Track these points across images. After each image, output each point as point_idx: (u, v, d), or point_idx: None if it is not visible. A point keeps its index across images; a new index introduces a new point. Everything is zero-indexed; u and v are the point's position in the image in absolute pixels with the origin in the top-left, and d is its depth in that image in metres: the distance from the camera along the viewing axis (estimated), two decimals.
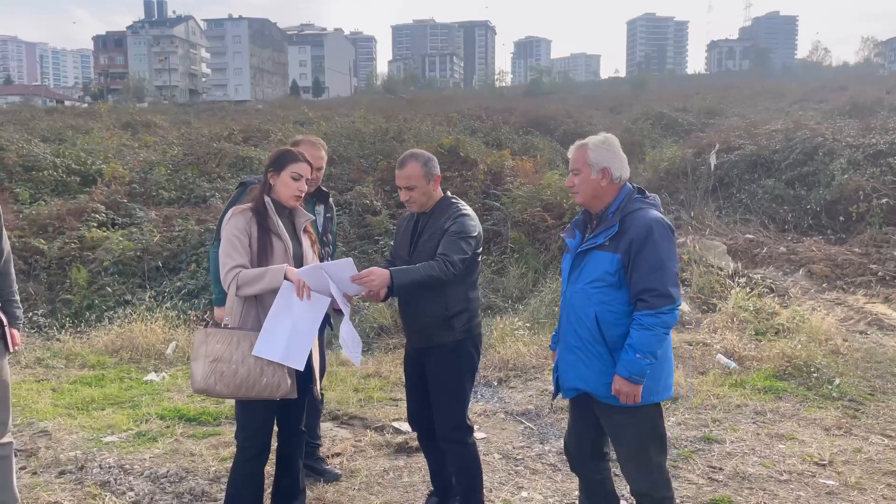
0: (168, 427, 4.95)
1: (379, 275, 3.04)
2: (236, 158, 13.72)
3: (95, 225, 10.29)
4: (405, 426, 4.86)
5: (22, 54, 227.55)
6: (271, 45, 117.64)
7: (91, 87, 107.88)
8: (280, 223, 3.21)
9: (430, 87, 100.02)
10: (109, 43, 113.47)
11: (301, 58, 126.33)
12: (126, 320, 7.63)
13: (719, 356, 6.22)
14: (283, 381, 3.08)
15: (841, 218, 12.16)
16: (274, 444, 3.40)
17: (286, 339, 3.04)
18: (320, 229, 4.02)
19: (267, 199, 3.23)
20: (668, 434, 4.53)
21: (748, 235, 11.52)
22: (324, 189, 4.16)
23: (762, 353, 6.20)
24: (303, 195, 3.29)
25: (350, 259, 2.99)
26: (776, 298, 7.88)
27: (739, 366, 6.03)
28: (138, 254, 9.28)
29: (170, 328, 7.52)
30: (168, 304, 8.06)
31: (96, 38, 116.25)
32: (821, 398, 5.29)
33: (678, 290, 2.82)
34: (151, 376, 6.38)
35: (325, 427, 4.89)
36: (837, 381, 5.54)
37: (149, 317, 7.61)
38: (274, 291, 3.07)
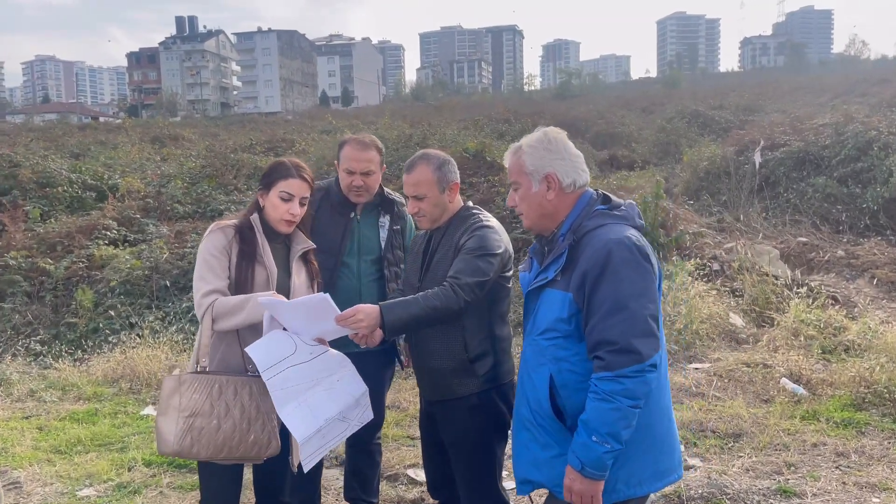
0: (154, 476, 4.36)
1: (367, 313, 2.36)
2: (254, 169, 13.22)
3: (105, 242, 9.82)
4: (421, 475, 4.19)
5: (60, 73, 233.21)
6: (300, 56, 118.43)
7: (125, 103, 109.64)
8: (267, 248, 2.61)
9: (459, 92, 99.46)
10: (143, 59, 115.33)
11: (330, 68, 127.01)
12: (129, 345, 7.11)
13: (784, 380, 5.44)
14: (273, 438, 2.49)
15: None
16: None
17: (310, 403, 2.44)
18: (383, 245, 3.26)
19: (255, 216, 2.63)
20: (735, 484, 3.80)
21: (801, 238, 10.63)
22: (389, 196, 3.37)
23: (834, 377, 5.41)
24: (296, 220, 2.66)
25: (326, 295, 2.32)
26: (840, 310, 7.04)
27: (809, 392, 5.25)
28: (146, 273, 8.76)
29: (174, 353, 6.97)
30: (174, 328, 7.51)
31: (130, 55, 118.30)
32: None
33: (651, 343, 1.98)
34: (148, 410, 5.81)
35: (328, 473, 4.25)
36: None
37: (152, 342, 7.07)
38: (260, 325, 2.44)
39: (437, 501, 2.93)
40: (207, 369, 2.45)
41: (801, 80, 51.45)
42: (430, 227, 2.72)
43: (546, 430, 2.12)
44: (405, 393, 5.93)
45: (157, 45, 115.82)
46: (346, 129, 21.80)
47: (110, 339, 7.61)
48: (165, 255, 9.02)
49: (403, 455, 4.55)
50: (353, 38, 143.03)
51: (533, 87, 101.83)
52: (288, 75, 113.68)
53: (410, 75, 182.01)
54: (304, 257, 2.73)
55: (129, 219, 10.79)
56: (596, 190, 2.25)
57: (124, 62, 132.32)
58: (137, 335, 7.43)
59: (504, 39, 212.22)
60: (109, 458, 4.68)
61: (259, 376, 2.47)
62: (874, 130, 13.61)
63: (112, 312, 8.05)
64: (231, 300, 2.46)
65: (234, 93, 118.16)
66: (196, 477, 4.30)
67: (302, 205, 2.64)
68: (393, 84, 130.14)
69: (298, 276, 2.68)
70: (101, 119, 69.70)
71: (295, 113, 67.77)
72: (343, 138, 3.39)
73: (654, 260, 2.08)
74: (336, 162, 3.32)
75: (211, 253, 2.53)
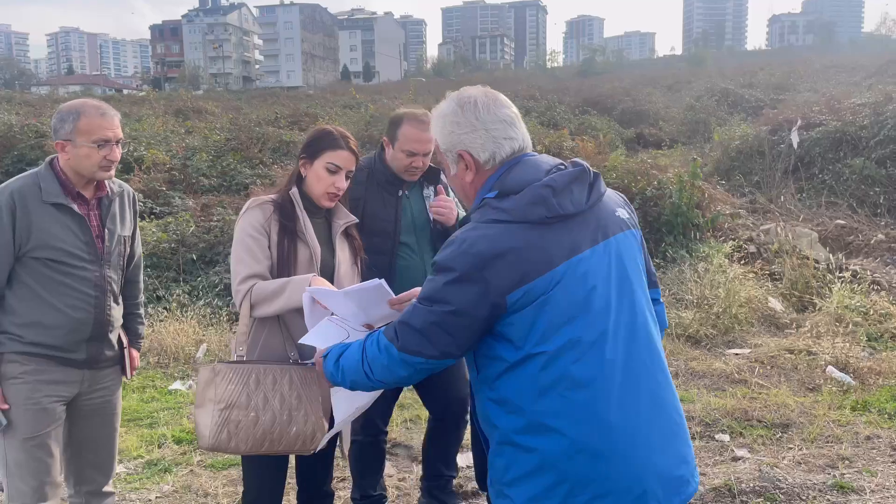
0: (184, 454, 4.28)
1: None
2: (279, 143, 13.12)
3: None
4: (460, 460, 4.08)
5: (84, 45, 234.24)
6: (322, 30, 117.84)
7: (148, 75, 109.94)
8: (309, 224, 2.45)
9: (481, 69, 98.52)
10: (166, 32, 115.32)
11: (352, 42, 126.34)
12: (157, 318, 7.05)
13: (831, 369, 5.25)
14: (319, 430, 2.33)
15: None
16: None
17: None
18: (432, 217, 3.08)
19: (294, 191, 2.47)
20: (789, 478, 3.64)
21: (839, 221, 10.32)
22: (433, 165, 3.14)
23: (882, 366, 5.21)
24: (340, 194, 2.49)
25: (381, 281, 2.15)
26: (886, 296, 6.80)
27: (856, 381, 5.05)
28: (173, 246, 8.69)
29: (202, 328, 6.91)
30: (202, 302, 7.45)
31: (153, 28, 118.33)
32: None
33: (419, 344, 1.71)
34: (177, 385, 5.75)
35: None
36: None
37: (180, 315, 7.01)
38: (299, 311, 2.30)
39: (484, 493, 2.80)
40: (245, 358, 2.31)
41: (832, 58, 50.22)
42: None
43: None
44: None
45: (180, 18, 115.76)
46: (370, 104, 21.62)
47: None
48: (192, 229, 8.94)
49: None
50: (374, 13, 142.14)
51: (556, 64, 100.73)
52: (309, 49, 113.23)
53: (432, 51, 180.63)
54: (347, 232, 2.58)
55: (156, 191, 10.73)
56: (519, 159, 1.79)
57: (147, 35, 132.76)
58: (165, 308, 7.37)
59: (527, 15, 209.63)
60: (139, 433, 4.61)
61: (302, 364, 2.33)
62: None
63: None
64: (269, 285, 2.31)
65: (256, 67, 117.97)
66: (228, 456, 4.24)
67: (347, 178, 2.48)
68: (415, 59, 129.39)
69: (342, 253, 2.53)
70: (125, 91, 69.96)
71: (316, 87, 67.53)
72: (397, 114, 3.11)
73: (509, 272, 1.65)
74: (385, 139, 3.08)
75: (248, 233, 2.38)
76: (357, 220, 2.63)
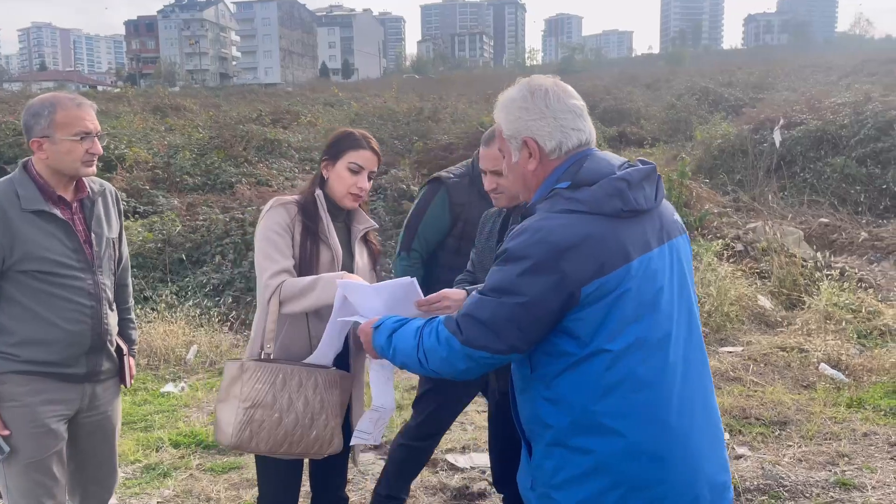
0: (182, 458, 4.22)
1: (455, 299, 2.16)
2: (264, 141, 13.01)
3: None
4: (462, 461, 4.08)
5: (56, 40, 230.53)
6: (300, 26, 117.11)
7: (123, 72, 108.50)
8: (332, 226, 2.42)
9: (460, 66, 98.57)
10: (141, 27, 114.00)
11: (330, 39, 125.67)
12: (145, 320, 6.95)
13: (823, 366, 5.31)
14: (336, 436, 2.32)
15: None
16: None
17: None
18: None
19: (318, 192, 2.44)
20: (791, 476, 3.67)
21: (822, 219, 10.45)
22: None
23: (873, 363, 5.28)
24: (362, 196, 2.46)
25: (413, 279, 2.14)
26: (874, 293, 6.90)
27: (849, 378, 5.11)
28: (159, 245, 8.58)
29: (191, 329, 6.82)
30: (190, 302, 7.36)
31: (128, 24, 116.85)
32: None
33: (486, 338, 1.65)
34: (169, 387, 5.68)
35: (365, 458, 4.12)
36: None
37: (169, 316, 6.92)
38: (328, 308, 2.28)
39: (501, 495, 2.79)
40: (272, 357, 2.28)
41: (808, 58, 50.88)
42: (507, 206, 2.52)
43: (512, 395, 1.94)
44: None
45: (156, 14, 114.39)
46: (352, 101, 21.53)
47: None
48: (178, 228, 8.83)
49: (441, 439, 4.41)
50: (353, 10, 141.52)
51: (535, 62, 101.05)
52: (288, 46, 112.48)
53: (411, 48, 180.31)
54: (365, 237, 2.56)
55: (139, 190, 10.60)
56: (589, 153, 1.76)
57: (122, 30, 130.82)
58: (152, 309, 7.28)
59: (506, 13, 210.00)
60: (134, 437, 4.54)
61: (326, 368, 2.31)
62: (894, 110, 13.39)
63: None
64: (301, 281, 2.28)
65: (234, 63, 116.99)
66: (227, 459, 4.20)
67: (369, 179, 2.46)
68: (394, 56, 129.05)
69: (361, 258, 2.51)
70: (100, 88, 68.95)
71: (295, 84, 67.14)
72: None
73: (585, 265, 1.60)
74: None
75: (274, 230, 2.35)
76: (376, 226, 2.61)
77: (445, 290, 2.20)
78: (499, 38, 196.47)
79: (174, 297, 7.63)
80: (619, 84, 35.44)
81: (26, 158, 2.41)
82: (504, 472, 2.70)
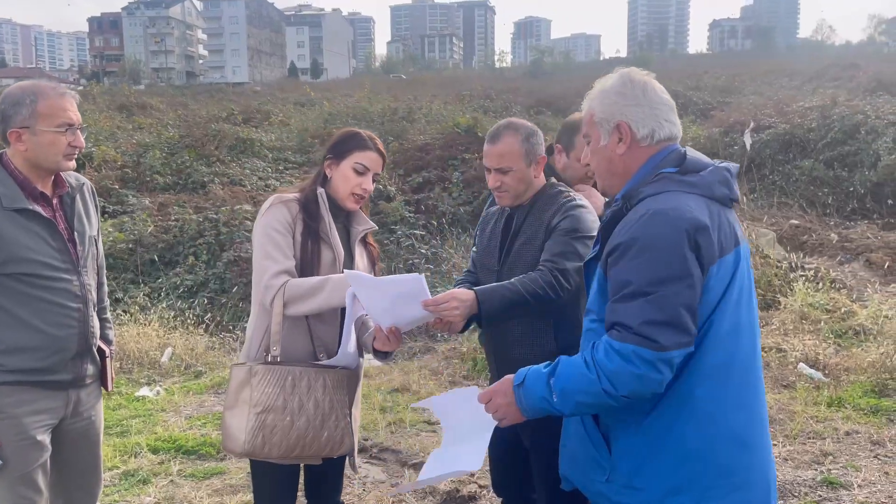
0: (161, 463, 4.11)
1: (462, 300, 2.12)
2: (236, 141, 12.82)
3: None
4: None
5: (17, 37, 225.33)
6: (269, 25, 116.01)
7: (86, 69, 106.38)
8: (333, 226, 2.35)
9: (430, 67, 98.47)
10: (105, 24, 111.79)
11: (299, 39, 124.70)
12: (117, 322, 6.79)
13: (802, 366, 5.37)
14: (347, 435, 2.27)
15: (889, 201, 11.30)
16: None
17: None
18: None
19: (321, 191, 2.37)
20: (780, 476, 3.69)
21: (793, 221, 10.63)
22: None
23: (850, 362, 5.35)
24: (366, 197, 2.40)
25: (420, 276, 2.08)
26: (846, 293, 7.01)
27: (828, 377, 5.18)
28: (130, 246, 8.40)
29: (165, 331, 6.67)
30: (164, 304, 7.21)
31: (91, 20, 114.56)
32: None
33: (674, 336, 1.58)
34: (144, 391, 5.54)
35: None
36: None
37: (142, 318, 6.76)
38: (334, 311, 2.22)
39: (500, 499, 2.75)
40: (279, 359, 2.21)
41: (772, 63, 51.77)
42: (511, 205, 2.48)
43: (584, 426, 1.84)
44: (413, 374, 5.75)
45: (120, 11, 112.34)
46: (325, 101, 21.35)
47: None
48: (150, 229, 8.66)
49: (425, 442, 4.37)
50: (322, 9, 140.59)
51: (504, 64, 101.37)
52: (256, 45, 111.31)
53: (381, 48, 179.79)
54: (364, 239, 2.50)
55: (108, 189, 10.38)
56: (684, 148, 1.80)
57: (85, 27, 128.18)
58: (124, 311, 7.12)
59: (476, 15, 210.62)
60: (111, 443, 4.41)
61: (333, 367, 2.25)
62: (860, 114, 13.69)
63: None
64: (307, 281, 2.21)
65: (200, 62, 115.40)
66: (209, 464, 4.11)
67: (374, 181, 2.41)
68: (363, 57, 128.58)
69: (361, 259, 2.45)
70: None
71: (263, 84, 66.36)
72: (575, 119, 2.81)
73: (716, 239, 1.63)
74: (559, 146, 2.85)
75: (275, 229, 2.27)
76: (376, 227, 2.55)
77: (454, 291, 2.16)
78: (468, 40, 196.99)
79: (147, 298, 7.48)
80: (589, 87, 35.61)
81: None
82: (503, 475, 2.66)
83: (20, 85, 2.24)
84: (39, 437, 2.25)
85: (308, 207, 2.32)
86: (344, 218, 2.44)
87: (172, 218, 9.15)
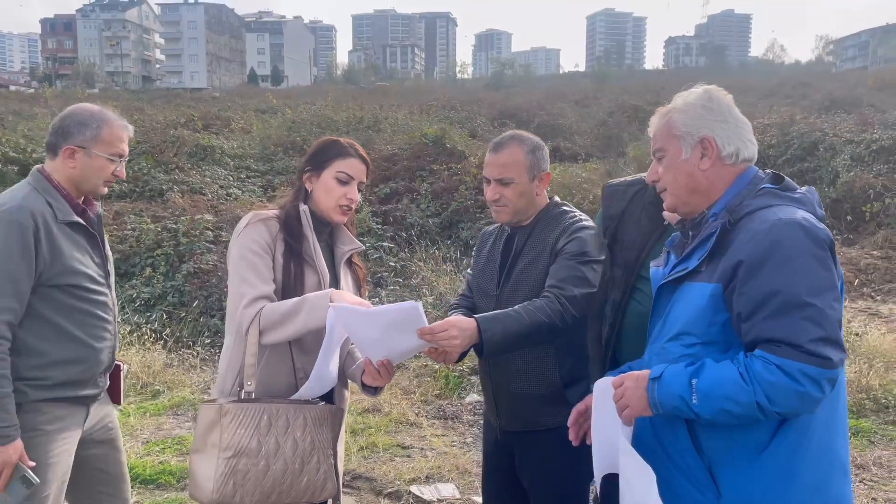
0: None
1: (463, 328, 1.94)
2: (196, 147, 12.44)
3: None
4: (427, 492, 3.85)
5: None
6: (228, 31, 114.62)
7: (38, 71, 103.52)
8: (318, 246, 2.17)
9: (392, 77, 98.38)
10: (58, 26, 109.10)
11: (259, 45, 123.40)
12: None
13: None
14: (329, 479, 2.06)
15: (848, 217, 11.50)
16: None
17: None
18: None
19: (304, 207, 2.18)
20: None
21: None
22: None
23: None
24: (353, 208, 2.21)
25: (417, 303, 1.90)
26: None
27: None
28: None
29: (121, 348, 6.34)
30: (120, 318, 6.86)
31: (44, 22, 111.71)
32: None
33: (839, 353, 1.50)
34: None
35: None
36: None
37: None
38: (317, 334, 2.03)
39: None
40: (253, 395, 2.00)
41: (725, 80, 52.61)
42: (509, 221, 2.31)
43: (675, 467, 1.66)
44: (384, 394, 5.53)
45: (75, 13, 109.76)
46: (287, 109, 20.98)
47: None
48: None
49: (400, 468, 4.17)
50: (283, 16, 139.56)
51: (466, 76, 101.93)
52: (215, 51, 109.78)
53: (342, 57, 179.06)
54: (349, 259, 2.31)
55: None
56: (766, 170, 1.75)
57: (37, 28, 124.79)
58: None
59: (437, 26, 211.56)
60: None
61: (314, 403, 2.05)
62: (818, 132, 13.98)
63: None
64: (281, 305, 2.01)
65: (157, 66, 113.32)
66: (168, 495, 3.87)
67: (359, 190, 2.23)
68: (324, 65, 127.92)
69: (346, 281, 2.26)
70: (12, 88, 65.41)
71: (222, 90, 65.40)
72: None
73: (836, 259, 1.61)
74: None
75: (252, 250, 2.06)
76: (363, 247, 2.36)
77: (453, 319, 1.98)
78: (430, 51, 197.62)
79: None
80: (549, 100, 35.96)
81: (38, 166, 2.32)
82: None
83: (88, 107, 2.36)
84: (68, 455, 2.24)
85: (289, 226, 2.13)
86: (327, 236, 2.25)
87: (129, 227, 8.78)
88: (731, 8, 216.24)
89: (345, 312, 1.92)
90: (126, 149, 2.36)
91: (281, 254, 2.10)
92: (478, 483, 4.00)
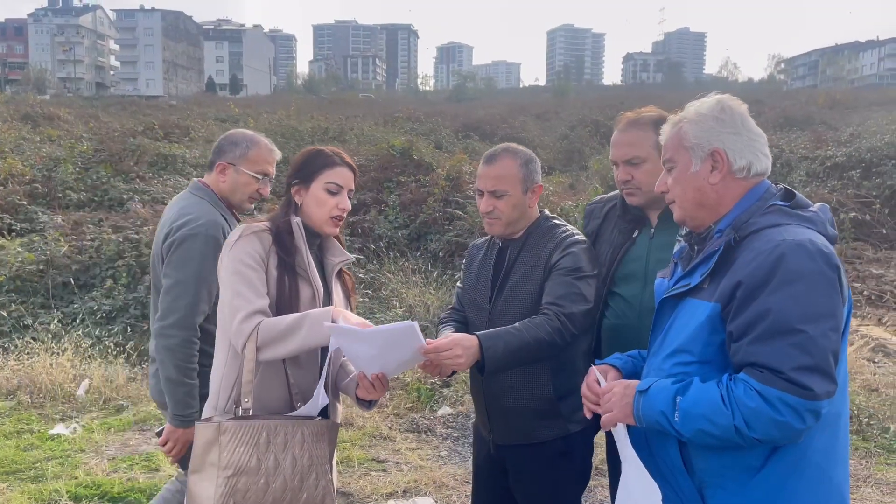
0: None
1: (466, 347, 1.93)
2: (157, 156, 12.21)
3: None
4: None
5: None
6: (186, 38, 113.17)
7: None
8: (311, 259, 2.13)
9: (353, 88, 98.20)
10: (9, 31, 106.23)
11: (218, 53, 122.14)
12: (25, 351, 6.21)
13: None
14: (328, 494, 2.02)
15: None
16: None
17: None
18: None
19: (297, 220, 2.13)
20: None
21: None
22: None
23: None
24: (344, 217, 2.18)
25: (414, 323, 1.87)
26: None
27: None
28: (41, 267, 7.77)
29: (81, 361, 6.15)
30: (79, 331, 6.66)
31: None
32: (884, 451, 4.53)
33: (825, 384, 1.45)
34: (59, 429, 5.04)
35: None
36: (893, 427, 4.81)
37: (55, 347, 6.21)
38: (313, 354, 2.03)
39: None
40: (251, 412, 1.95)
41: (681, 95, 54.04)
42: (501, 234, 2.31)
43: (669, 486, 1.66)
44: (356, 407, 5.47)
45: (26, 17, 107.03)
46: (249, 118, 20.77)
47: (1, 343, 6.64)
48: (64, 249, 8.04)
49: (376, 482, 4.12)
50: (243, 25, 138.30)
51: (428, 88, 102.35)
52: (172, 58, 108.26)
53: (303, 67, 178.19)
54: (339, 271, 2.28)
55: (15, 205, 9.64)
56: (778, 185, 1.71)
57: None
58: (34, 339, 6.53)
59: (399, 38, 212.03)
60: (23, 489, 3.96)
61: (310, 418, 2.01)
62: (775, 148, 14.37)
63: (3, 312, 7.04)
64: (281, 322, 1.96)
65: (112, 73, 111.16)
66: None
67: (349, 199, 2.20)
68: (285, 75, 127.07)
69: (337, 294, 2.22)
70: None
71: (179, 98, 64.43)
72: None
73: (845, 282, 1.55)
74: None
75: (246, 263, 2.01)
76: (353, 259, 2.33)
77: (456, 337, 1.96)
78: (391, 63, 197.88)
79: (59, 325, 6.90)
80: (512, 113, 36.28)
81: (199, 179, 2.63)
82: None
83: (243, 131, 2.67)
84: None
85: (281, 239, 2.09)
86: (317, 249, 2.22)
87: (88, 237, 8.55)
88: (687, 26, 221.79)
89: (342, 333, 1.90)
90: (272, 170, 2.58)
91: (275, 267, 2.05)
92: (455, 496, 3.97)
